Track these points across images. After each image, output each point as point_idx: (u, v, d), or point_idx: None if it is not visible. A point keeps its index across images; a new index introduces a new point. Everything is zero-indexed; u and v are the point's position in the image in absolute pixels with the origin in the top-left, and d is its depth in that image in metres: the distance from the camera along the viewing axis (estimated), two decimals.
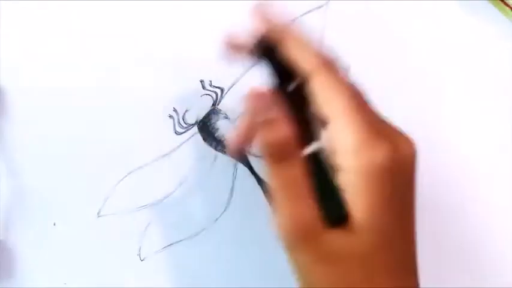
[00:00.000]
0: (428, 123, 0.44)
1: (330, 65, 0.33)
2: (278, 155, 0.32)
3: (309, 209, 0.31)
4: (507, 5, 0.43)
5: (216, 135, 0.41)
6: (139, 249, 0.41)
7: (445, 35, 0.44)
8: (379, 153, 0.31)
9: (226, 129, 0.41)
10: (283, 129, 0.32)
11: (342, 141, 0.32)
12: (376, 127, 0.32)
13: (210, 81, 0.41)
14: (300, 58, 0.33)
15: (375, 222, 0.31)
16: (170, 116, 0.41)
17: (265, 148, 0.33)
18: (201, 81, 0.41)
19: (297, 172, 0.32)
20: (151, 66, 0.41)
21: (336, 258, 0.31)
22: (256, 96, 0.34)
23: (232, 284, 0.41)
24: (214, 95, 0.41)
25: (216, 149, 0.42)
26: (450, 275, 0.44)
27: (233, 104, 0.42)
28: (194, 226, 0.42)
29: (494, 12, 0.43)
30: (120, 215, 0.41)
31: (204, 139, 0.42)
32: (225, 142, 0.41)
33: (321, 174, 0.32)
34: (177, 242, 0.42)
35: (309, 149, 0.32)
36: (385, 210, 0.31)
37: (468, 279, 0.43)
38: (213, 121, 0.41)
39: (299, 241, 0.31)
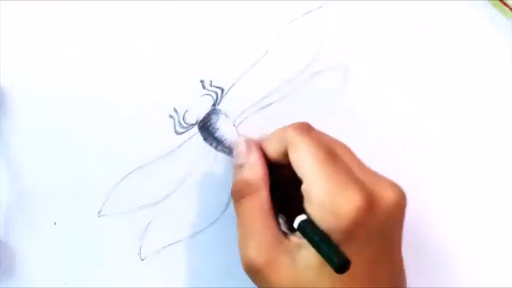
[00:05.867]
0: (428, 123, 0.44)
1: (300, 132, 0.35)
2: (238, 193, 0.37)
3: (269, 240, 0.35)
4: (507, 5, 0.43)
5: (216, 135, 0.41)
6: (140, 249, 0.41)
7: (445, 35, 0.44)
8: (346, 206, 0.32)
9: (226, 129, 0.41)
10: (245, 172, 0.37)
11: (312, 196, 0.33)
12: (349, 178, 0.33)
13: (210, 81, 0.41)
14: (275, 148, 0.37)
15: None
16: (170, 116, 0.41)
17: (231, 189, 0.38)
18: (201, 81, 0.41)
19: (257, 206, 0.36)
20: (152, 66, 0.41)
21: None
22: (240, 143, 0.39)
23: (233, 284, 0.41)
24: (214, 95, 0.41)
25: (216, 149, 0.42)
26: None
27: (233, 104, 0.42)
28: (194, 226, 0.42)
29: (494, 12, 0.43)
30: (120, 214, 0.41)
31: (204, 139, 0.42)
32: (225, 142, 0.41)
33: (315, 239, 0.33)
34: (177, 242, 0.42)
35: (296, 222, 0.34)
36: (356, 263, 0.32)
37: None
38: (213, 121, 0.41)
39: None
